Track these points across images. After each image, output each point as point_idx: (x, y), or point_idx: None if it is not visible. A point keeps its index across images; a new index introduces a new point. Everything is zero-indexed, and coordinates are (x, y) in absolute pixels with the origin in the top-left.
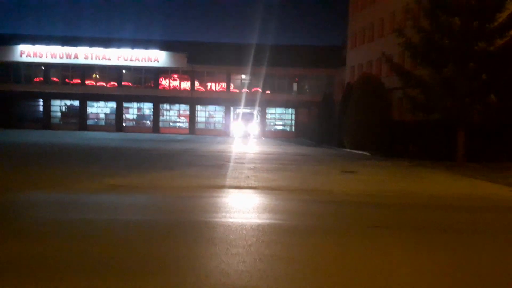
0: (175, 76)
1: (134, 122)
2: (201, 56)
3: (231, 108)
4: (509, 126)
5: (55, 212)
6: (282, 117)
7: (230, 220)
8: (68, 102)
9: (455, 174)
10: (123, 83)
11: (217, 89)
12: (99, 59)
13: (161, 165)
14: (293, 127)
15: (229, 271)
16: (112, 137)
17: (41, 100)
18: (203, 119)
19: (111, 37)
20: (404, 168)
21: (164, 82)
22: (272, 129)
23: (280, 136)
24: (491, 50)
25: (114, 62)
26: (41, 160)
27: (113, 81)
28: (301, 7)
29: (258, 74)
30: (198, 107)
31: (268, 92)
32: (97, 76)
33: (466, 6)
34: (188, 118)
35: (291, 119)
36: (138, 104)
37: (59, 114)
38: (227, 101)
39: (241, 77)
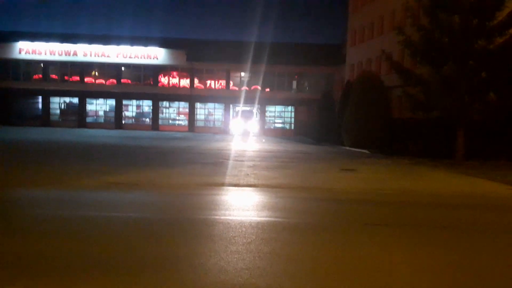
0: (175, 73)
1: (133, 120)
2: (201, 53)
3: (231, 106)
4: (509, 124)
5: (54, 209)
6: (281, 115)
7: (230, 217)
8: (67, 100)
9: (454, 172)
10: (122, 81)
11: (216, 87)
12: (98, 56)
13: (160, 162)
14: (292, 125)
15: (228, 268)
16: (111, 135)
17: (40, 97)
18: (202, 117)
19: (110, 35)
20: (403, 166)
21: (164, 80)
22: (272, 127)
23: (280, 134)
24: (491, 49)
25: (113, 59)
26: (39, 157)
27: (112, 78)
28: (301, 4)
29: (257, 72)
30: (198, 105)
31: (267, 90)
32: (96, 73)
33: (466, 4)
34: (187, 116)
35: (291, 117)
36: (137, 102)
37: (58, 111)
38: (226, 99)
39: (240, 74)
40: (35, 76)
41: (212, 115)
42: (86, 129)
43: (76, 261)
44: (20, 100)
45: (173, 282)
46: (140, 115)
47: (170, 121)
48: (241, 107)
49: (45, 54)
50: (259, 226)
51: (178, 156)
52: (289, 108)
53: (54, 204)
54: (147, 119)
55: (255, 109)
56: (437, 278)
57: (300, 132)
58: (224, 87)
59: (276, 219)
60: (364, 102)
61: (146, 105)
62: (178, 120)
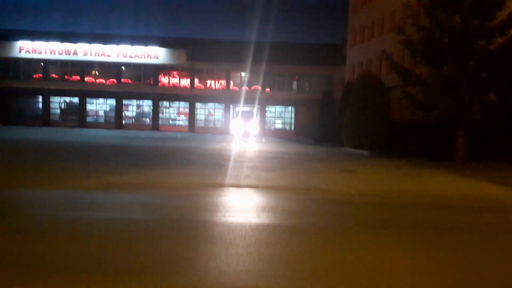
0: (175, 73)
1: (133, 120)
2: (201, 53)
3: (231, 106)
4: (509, 125)
5: (53, 209)
6: (281, 115)
7: (230, 219)
8: (67, 99)
9: (454, 174)
10: (122, 80)
11: (216, 87)
12: (99, 55)
13: (160, 163)
14: (292, 126)
15: (228, 270)
16: (111, 135)
17: (40, 96)
18: (202, 117)
19: (111, 34)
20: (403, 167)
21: (164, 79)
22: (272, 128)
23: (280, 134)
24: (491, 49)
25: (113, 58)
26: (39, 158)
27: (113, 78)
28: (301, 4)
29: (258, 72)
30: (198, 105)
31: (268, 90)
32: (97, 73)
33: (466, 4)
34: (187, 116)
35: (291, 118)
36: (138, 102)
37: (58, 111)
38: (226, 99)
39: (241, 74)
40: (35, 75)
41: (212, 115)
42: (86, 129)
43: (75, 261)
44: (20, 100)
45: (173, 284)
46: (140, 115)
47: (170, 121)
48: (241, 107)
49: (45, 53)
50: (259, 228)
51: (178, 156)
52: (289, 108)
53: (53, 204)
54: (147, 119)
55: (255, 110)
56: (438, 280)
57: (300, 132)
58: (225, 87)
59: (276, 221)
60: (364, 102)
61: (146, 105)
62: (178, 120)
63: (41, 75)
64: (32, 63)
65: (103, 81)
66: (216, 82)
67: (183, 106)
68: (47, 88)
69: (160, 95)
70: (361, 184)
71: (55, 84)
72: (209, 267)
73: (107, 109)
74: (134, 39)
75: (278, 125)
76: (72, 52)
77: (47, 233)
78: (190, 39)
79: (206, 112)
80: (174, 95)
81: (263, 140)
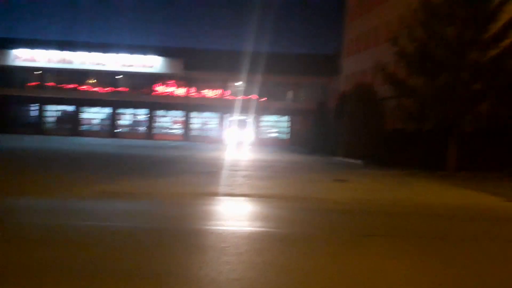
0: (171, 82)
1: (128, 128)
2: (197, 62)
3: (226, 115)
4: (500, 136)
5: (46, 218)
6: (276, 124)
7: (222, 228)
8: (62, 107)
9: (446, 184)
10: (118, 89)
11: (212, 96)
12: (95, 64)
13: (154, 171)
14: (287, 135)
15: (220, 279)
16: (106, 143)
17: (35, 105)
18: (197, 126)
19: (107, 43)
20: (396, 177)
21: (160, 88)
22: (267, 137)
23: (275, 143)
24: (484, 61)
25: (109, 67)
26: (33, 166)
27: (109, 86)
28: (297, 15)
29: (253, 81)
30: (193, 114)
31: (263, 99)
32: (93, 81)
33: (460, 17)
34: (182, 125)
35: (286, 127)
36: (133, 110)
37: (52, 119)
38: (222, 108)
39: (236, 84)
40: (31, 84)
41: (207, 124)
42: (80, 138)
43: (66, 270)
44: (14, 107)
45: None
46: (135, 123)
47: (165, 130)
48: (236, 117)
49: (42, 61)
50: (252, 237)
51: (173, 165)
52: (284, 117)
53: (47, 213)
54: (142, 128)
55: (250, 119)
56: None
57: (295, 142)
58: (220, 96)
59: (269, 229)
60: (358, 113)
61: (142, 114)
62: (173, 129)
63: (36, 83)
64: (27, 71)
65: (99, 89)
66: (212, 91)
67: (179, 115)
68: (42, 96)
69: (156, 104)
70: (354, 193)
71: (50, 93)
72: (200, 275)
73: (102, 117)
74: (131, 48)
75: (273, 134)
76: (68, 61)
77: (39, 242)
78: (187, 49)
79: (202, 121)
80: (169, 104)
81: (258, 149)
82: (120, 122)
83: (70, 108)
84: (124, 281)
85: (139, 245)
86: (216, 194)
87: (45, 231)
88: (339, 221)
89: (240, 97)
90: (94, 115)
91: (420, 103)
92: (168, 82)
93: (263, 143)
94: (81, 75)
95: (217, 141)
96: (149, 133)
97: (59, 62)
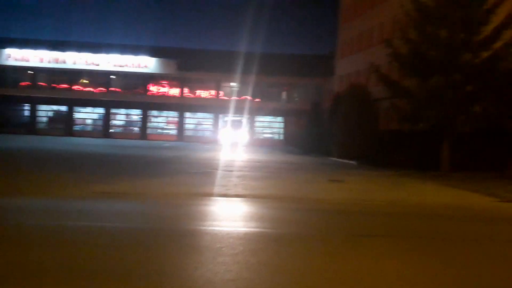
0: (165, 82)
1: (121, 129)
2: (191, 63)
3: (220, 116)
4: (493, 137)
5: (40, 218)
6: (271, 125)
7: (217, 228)
8: (55, 107)
9: (440, 184)
10: (111, 89)
11: (206, 96)
12: (88, 64)
13: (149, 172)
14: (281, 136)
15: (215, 279)
16: (99, 144)
17: (27, 104)
18: (191, 126)
19: (100, 42)
20: (390, 177)
21: (153, 89)
22: (261, 137)
23: (269, 144)
24: (476, 62)
25: (102, 67)
26: (26, 166)
27: (102, 86)
28: (291, 16)
29: (247, 82)
30: (187, 114)
31: (257, 100)
32: (85, 81)
33: (453, 19)
34: (176, 125)
35: (280, 128)
36: (126, 110)
37: (45, 119)
38: (216, 108)
39: (230, 84)
40: (23, 83)
41: (201, 124)
42: (73, 138)
43: (62, 270)
44: (6, 107)
45: None
46: (128, 124)
47: (159, 130)
48: (230, 117)
49: (34, 61)
50: (247, 237)
51: (167, 165)
52: (279, 118)
53: (40, 213)
54: (136, 128)
55: (244, 119)
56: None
57: (289, 142)
58: (214, 97)
59: (264, 230)
60: (352, 113)
61: (135, 114)
62: (167, 129)
63: (28, 83)
64: (20, 71)
65: (92, 89)
66: (206, 91)
67: (172, 115)
68: (34, 96)
69: (149, 104)
70: (349, 194)
71: (43, 92)
72: (196, 275)
73: (95, 117)
74: (124, 48)
75: (267, 135)
76: (61, 60)
77: (32, 242)
78: (181, 49)
79: (196, 122)
80: (163, 104)
81: (252, 149)
82: (114, 122)
83: (63, 108)
84: (119, 281)
85: (133, 245)
86: (211, 194)
87: (39, 231)
88: (335, 221)
89: (234, 98)
90: (87, 115)
91: (413, 104)
92: (162, 82)
93: (257, 143)
94: (74, 75)
95: (211, 142)
96: (143, 134)
97: (52, 61)
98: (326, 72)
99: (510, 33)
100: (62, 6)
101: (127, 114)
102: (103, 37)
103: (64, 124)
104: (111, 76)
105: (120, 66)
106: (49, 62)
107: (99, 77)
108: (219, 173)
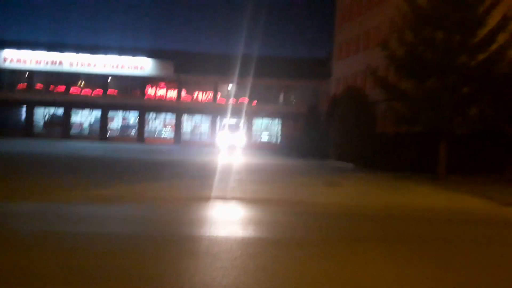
0: (162, 85)
1: (118, 132)
2: (189, 65)
3: (218, 119)
4: (489, 139)
5: (38, 223)
6: (268, 128)
7: (215, 232)
8: (52, 110)
9: (437, 187)
10: (108, 92)
11: (203, 99)
12: (85, 66)
13: (146, 175)
14: (279, 138)
15: (213, 284)
16: (96, 147)
17: (24, 107)
18: (189, 129)
19: (98, 45)
20: (387, 180)
21: (151, 91)
22: (258, 140)
23: (266, 147)
24: (472, 65)
25: (99, 69)
26: (22, 170)
27: (99, 89)
28: (288, 19)
29: (245, 84)
30: (184, 117)
31: (254, 103)
32: (82, 84)
33: (449, 22)
34: (173, 128)
35: (277, 130)
36: (123, 113)
37: (41, 122)
38: (213, 111)
39: (228, 87)
40: (19, 86)
41: (199, 127)
42: (70, 141)
43: (58, 276)
44: (2, 110)
45: None
46: (125, 127)
47: (156, 134)
48: (228, 120)
49: (30, 63)
50: (245, 241)
51: (164, 169)
52: (276, 121)
53: (37, 218)
54: (133, 131)
55: (242, 122)
56: None
57: (286, 145)
58: (212, 100)
59: (262, 234)
60: (349, 116)
61: (132, 117)
62: (164, 132)
63: (25, 85)
64: (16, 73)
65: (89, 92)
66: (203, 94)
67: (170, 118)
68: (31, 99)
69: (147, 107)
70: (346, 197)
71: (39, 95)
72: (194, 281)
73: (92, 120)
74: (121, 51)
75: (265, 137)
76: (57, 63)
77: (28, 247)
78: (178, 51)
79: (193, 124)
80: (160, 107)
81: (250, 152)
82: (111, 125)
83: (59, 111)
84: (116, 286)
85: (131, 250)
86: (208, 198)
87: (35, 236)
88: (332, 225)
89: (231, 101)
90: (84, 118)
91: (410, 106)
92: (160, 85)
93: (254, 146)
94: (70, 78)
95: (208, 145)
96: (140, 137)
97: (48, 64)
98: (323, 75)
99: (506, 36)
100: (58, 8)
101: (124, 117)
102: (100, 40)
103: (61, 127)
104: (108, 79)
105: (118, 68)
106: (45, 64)
107: (96, 79)
108: (217, 176)
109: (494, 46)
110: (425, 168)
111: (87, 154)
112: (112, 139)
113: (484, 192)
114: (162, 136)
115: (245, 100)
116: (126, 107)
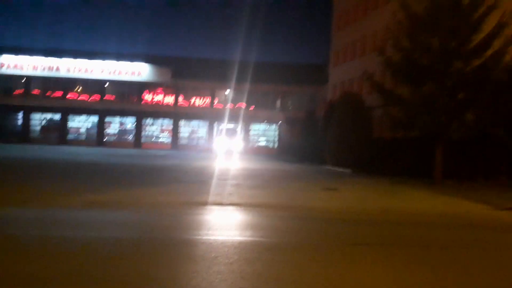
0: (159, 90)
1: (115, 137)
2: (186, 71)
3: (215, 124)
4: (485, 144)
5: (32, 229)
6: (265, 133)
7: (212, 237)
8: (49, 116)
9: (433, 192)
10: (105, 97)
11: (201, 105)
12: (82, 72)
13: (143, 181)
14: (276, 144)
15: None
16: (93, 152)
17: (21, 113)
18: (186, 135)
19: (95, 50)
20: (384, 185)
21: (148, 97)
22: (255, 146)
23: (263, 152)
24: (468, 70)
25: (97, 75)
26: (18, 175)
27: (96, 94)
28: (286, 25)
29: (242, 90)
30: (182, 122)
31: (251, 108)
32: (79, 89)
33: (444, 28)
34: (171, 133)
35: (275, 136)
36: (121, 119)
37: (38, 128)
38: (210, 116)
39: (225, 93)
40: (16, 91)
41: (196, 132)
42: (67, 146)
43: (56, 279)
44: None
45: None
46: (122, 132)
47: (153, 139)
48: (225, 125)
49: (28, 69)
50: (242, 246)
51: (161, 174)
52: (273, 126)
53: (33, 223)
54: (130, 137)
55: (239, 127)
56: None
57: (283, 150)
58: (209, 105)
59: (259, 239)
60: (346, 122)
61: (129, 122)
62: (162, 137)
63: (22, 91)
64: (13, 79)
65: (86, 97)
66: (201, 99)
67: (167, 123)
68: (28, 105)
69: (144, 112)
70: (343, 202)
71: (36, 101)
72: (191, 285)
73: (89, 126)
74: (119, 56)
75: (262, 143)
76: (55, 69)
77: (25, 253)
78: (175, 57)
79: (190, 130)
80: (157, 112)
81: (247, 157)
82: (108, 130)
83: (56, 116)
84: None
85: (128, 255)
86: (205, 203)
87: (34, 241)
88: (329, 230)
89: (229, 106)
90: (81, 123)
91: (406, 112)
92: (157, 90)
93: (252, 151)
94: (68, 83)
95: (206, 150)
96: (137, 142)
97: (45, 69)
98: (320, 81)
99: (501, 42)
100: (55, 14)
101: (121, 123)
102: (97, 45)
103: (58, 133)
104: (106, 84)
105: (115, 74)
106: (43, 70)
107: (93, 85)
108: (214, 181)
109: (489, 52)
110: (421, 173)
111: (85, 160)
112: (109, 144)
113: (481, 197)
114: (159, 141)
115: (243, 105)
116: (123, 113)
